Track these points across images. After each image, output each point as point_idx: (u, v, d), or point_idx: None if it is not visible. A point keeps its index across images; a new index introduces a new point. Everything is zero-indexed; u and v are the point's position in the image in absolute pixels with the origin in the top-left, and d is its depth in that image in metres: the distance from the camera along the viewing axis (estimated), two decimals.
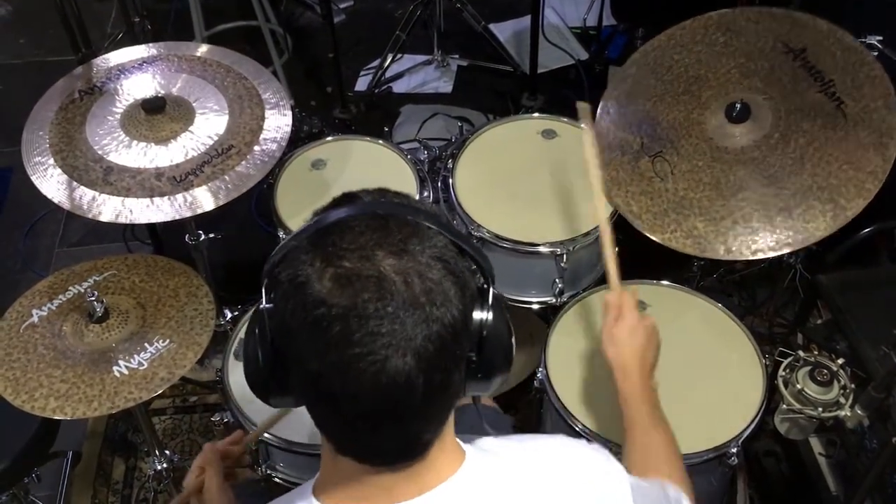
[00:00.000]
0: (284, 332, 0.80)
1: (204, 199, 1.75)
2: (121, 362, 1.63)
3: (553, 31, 3.35)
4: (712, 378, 1.74)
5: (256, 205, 2.79)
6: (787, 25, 1.89)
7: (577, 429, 1.67)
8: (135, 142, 1.83)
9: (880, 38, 1.82)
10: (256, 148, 1.84)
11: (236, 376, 1.79)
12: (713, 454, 1.62)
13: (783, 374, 1.64)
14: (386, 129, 2.96)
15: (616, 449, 1.61)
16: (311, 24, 3.63)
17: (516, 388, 2.28)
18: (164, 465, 2.03)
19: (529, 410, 2.11)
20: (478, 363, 0.87)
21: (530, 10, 2.91)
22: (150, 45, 2.07)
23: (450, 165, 2.07)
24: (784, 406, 1.64)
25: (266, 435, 1.71)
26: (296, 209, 2.04)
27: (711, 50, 1.93)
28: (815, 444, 1.96)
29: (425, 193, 2.07)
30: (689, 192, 1.77)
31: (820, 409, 1.60)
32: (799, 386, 1.60)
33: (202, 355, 1.69)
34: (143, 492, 2.31)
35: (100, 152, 1.81)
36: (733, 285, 2.63)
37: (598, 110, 1.97)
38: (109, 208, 1.72)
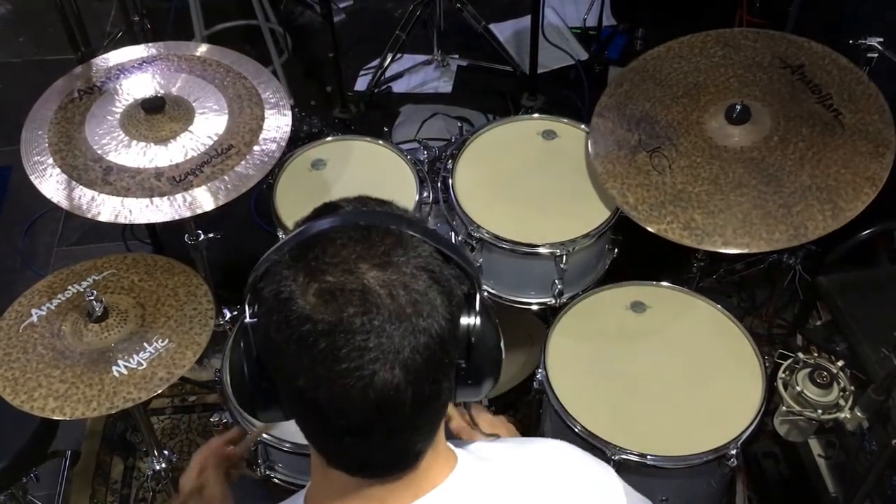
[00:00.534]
0: (270, 348, 0.79)
1: (203, 200, 1.75)
2: (120, 362, 1.63)
3: (553, 32, 3.35)
4: (712, 379, 1.74)
5: (256, 205, 2.78)
6: (784, 45, 1.91)
7: (576, 430, 1.67)
8: (134, 141, 1.83)
9: (881, 39, 1.83)
10: (256, 148, 1.83)
11: None
12: (712, 456, 1.62)
13: (783, 376, 1.64)
14: (386, 129, 2.94)
15: (615, 450, 1.62)
16: (311, 24, 3.63)
17: (516, 388, 2.28)
18: (163, 465, 2.03)
19: (529, 411, 2.11)
20: (467, 370, 0.86)
21: (530, 10, 2.90)
22: (150, 44, 2.07)
23: (449, 166, 2.07)
24: (784, 408, 1.64)
25: (265, 435, 1.71)
26: (295, 209, 2.03)
27: (710, 61, 1.95)
28: (815, 446, 1.96)
29: (425, 194, 2.07)
30: (688, 186, 1.78)
31: (819, 411, 1.60)
32: (798, 388, 1.60)
33: (201, 355, 1.69)
34: (141, 491, 2.31)
35: (99, 152, 1.81)
36: (733, 286, 2.63)
37: (596, 109, 1.98)
38: (108, 208, 1.72)
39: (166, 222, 1.74)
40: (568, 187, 2.02)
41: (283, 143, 1.85)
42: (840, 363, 1.63)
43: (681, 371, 1.76)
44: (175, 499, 1.29)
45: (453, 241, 2.03)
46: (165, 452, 2.04)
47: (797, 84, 1.85)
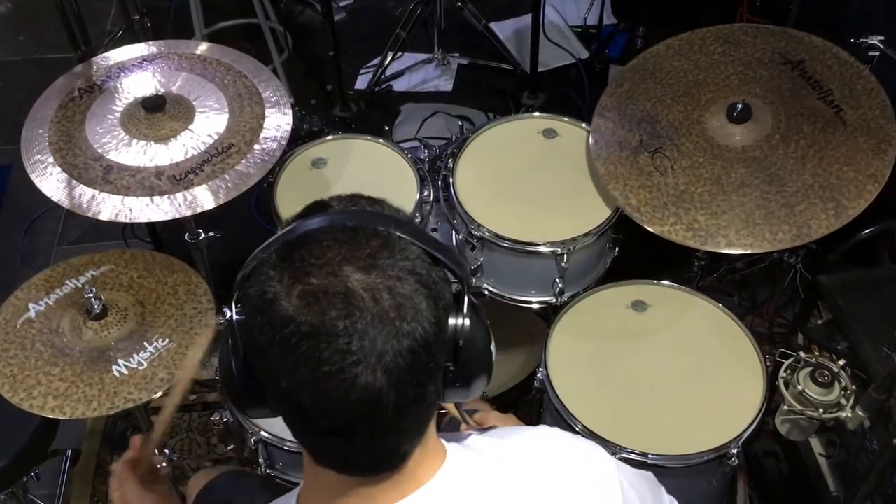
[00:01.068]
0: (255, 348, 0.80)
1: (204, 198, 1.74)
2: (120, 361, 1.63)
3: (554, 30, 3.35)
4: (713, 379, 1.74)
5: (256, 203, 2.78)
6: (784, 41, 1.91)
7: (576, 429, 1.67)
8: (134, 140, 1.82)
9: (882, 38, 1.82)
10: (256, 147, 1.83)
11: None
12: (713, 455, 1.62)
13: (784, 375, 1.63)
14: (386, 128, 2.96)
15: (616, 449, 1.62)
16: (312, 22, 3.62)
17: (517, 387, 2.28)
18: (163, 464, 2.02)
19: (530, 410, 2.10)
20: (455, 372, 0.86)
21: (531, 8, 2.90)
22: (150, 43, 2.07)
23: (450, 164, 2.07)
24: (785, 407, 1.64)
25: (264, 434, 1.71)
26: (296, 208, 1.97)
27: (710, 59, 1.94)
28: (816, 445, 1.96)
29: (425, 192, 2.06)
30: (691, 187, 1.78)
31: (821, 410, 1.59)
32: (800, 387, 1.60)
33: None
34: None
35: (99, 150, 1.81)
36: (734, 285, 2.62)
37: (596, 110, 1.98)
38: (109, 207, 1.72)
39: (167, 221, 1.74)
40: (569, 186, 2.01)
41: (284, 142, 1.85)
42: (841, 362, 1.63)
43: (682, 370, 1.76)
44: None
45: (454, 240, 2.03)
46: (166, 451, 2.03)
47: (798, 80, 1.85)
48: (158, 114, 1.84)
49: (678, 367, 1.76)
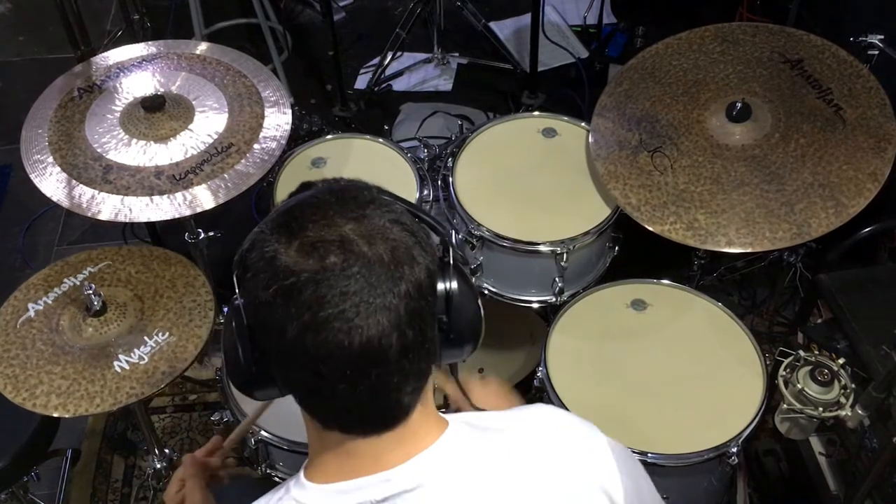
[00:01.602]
0: (259, 308, 0.82)
1: (203, 198, 1.75)
2: (121, 357, 1.63)
3: (553, 30, 3.35)
4: (712, 377, 1.74)
5: (256, 203, 2.78)
6: (783, 40, 1.91)
7: None
8: (134, 140, 1.83)
9: (881, 37, 1.83)
10: (256, 146, 1.83)
11: None
12: (713, 453, 1.62)
13: (784, 373, 1.63)
14: (386, 128, 2.96)
15: None
16: (311, 22, 3.62)
17: (516, 387, 2.28)
18: (164, 464, 2.03)
19: None
20: (449, 324, 0.90)
21: (530, 8, 2.90)
22: (150, 42, 2.07)
23: (450, 164, 2.07)
24: (784, 406, 1.64)
25: (264, 434, 1.71)
26: None
27: (709, 58, 1.94)
28: (816, 444, 1.96)
29: (425, 192, 2.07)
30: (690, 186, 1.78)
31: (820, 408, 1.59)
32: (799, 386, 1.60)
33: (201, 353, 1.68)
34: (142, 490, 2.31)
35: (99, 150, 1.81)
36: (733, 284, 2.62)
37: (596, 109, 1.98)
38: (109, 207, 1.72)
39: (166, 221, 1.74)
40: (568, 185, 2.01)
41: (283, 142, 1.85)
42: (841, 361, 1.63)
43: (681, 369, 1.76)
44: None
45: (454, 239, 2.03)
46: (166, 451, 2.04)
47: (797, 79, 1.85)
48: (158, 113, 1.84)
49: (678, 365, 1.76)
